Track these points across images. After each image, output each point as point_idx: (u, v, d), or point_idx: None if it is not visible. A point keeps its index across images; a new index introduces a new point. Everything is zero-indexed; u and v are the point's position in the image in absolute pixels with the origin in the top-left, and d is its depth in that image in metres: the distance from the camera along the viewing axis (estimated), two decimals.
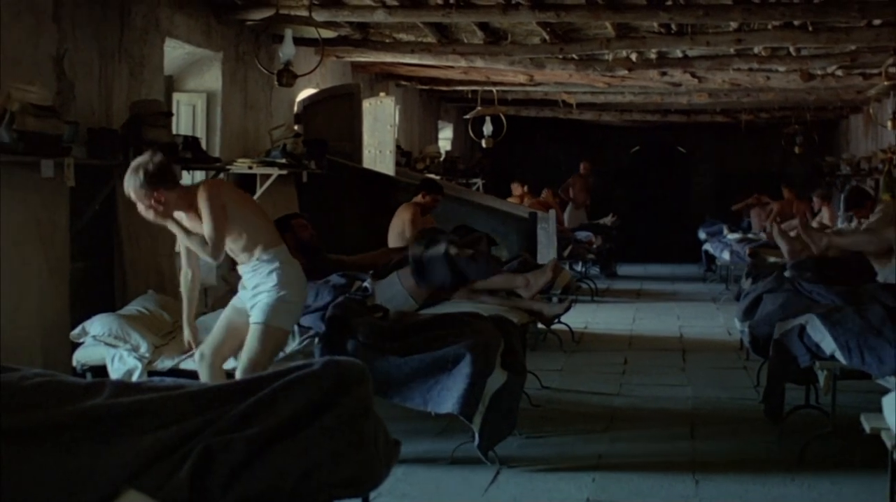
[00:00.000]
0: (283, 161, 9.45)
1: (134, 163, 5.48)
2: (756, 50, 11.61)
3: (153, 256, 7.92)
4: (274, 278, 5.71)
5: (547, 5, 9.12)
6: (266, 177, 9.41)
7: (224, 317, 5.99)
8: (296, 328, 6.60)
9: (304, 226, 8.02)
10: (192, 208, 5.60)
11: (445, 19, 9.65)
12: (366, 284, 7.11)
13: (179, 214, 5.61)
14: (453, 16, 9.39)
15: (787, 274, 8.16)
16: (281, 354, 6.33)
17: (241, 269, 5.86)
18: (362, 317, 6.51)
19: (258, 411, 3.65)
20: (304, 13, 8.67)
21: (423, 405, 6.09)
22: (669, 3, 9.09)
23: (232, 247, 5.72)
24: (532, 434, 6.96)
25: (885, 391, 5.45)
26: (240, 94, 9.76)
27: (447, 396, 5.99)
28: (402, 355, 6.19)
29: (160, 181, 5.45)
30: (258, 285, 5.75)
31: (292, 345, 6.47)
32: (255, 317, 5.73)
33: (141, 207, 5.49)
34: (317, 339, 6.41)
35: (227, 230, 5.60)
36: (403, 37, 11.34)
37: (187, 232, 5.60)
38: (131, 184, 5.43)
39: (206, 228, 5.54)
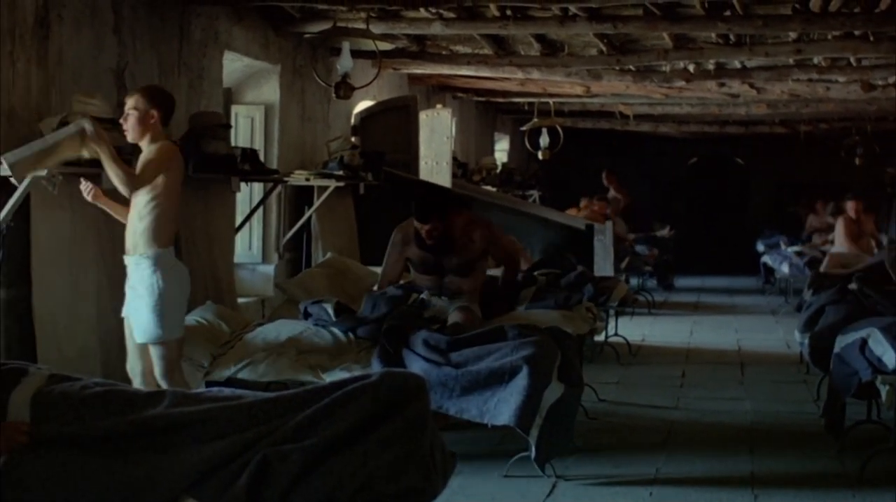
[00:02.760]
0: (341, 173, 9.49)
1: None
2: (815, 60, 11.49)
3: (212, 266, 7.99)
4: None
5: (604, 17, 9.08)
6: (323, 189, 9.45)
7: None
8: (353, 338, 6.63)
9: None
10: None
11: (502, 31, 9.65)
12: (423, 296, 7.11)
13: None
14: (510, 28, 9.37)
15: (852, 285, 8.06)
16: (339, 365, 6.34)
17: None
18: (419, 328, 6.51)
19: (316, 422, 3.66)
20: (362, 26, 8.72)
21: (480, 417, 6.06)
22: (728, 13, 9.02)
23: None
24: (589, 447, 6.93)
25: None
26: (297, 107, 9.82)
27: (504, 408, 5.97)
28: (459, 367, 6.18)
29: (165, 108, 5.85)
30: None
31: (349, 356, 6.48)
32: None
33: (127, 109, 5.78)
34: (374, 351, 6.41)
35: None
36: (460, 49, 11.35)
37: (116, 160, 5.59)
38: (143, 89, 5.91)
39: (138, 169, 5.76)
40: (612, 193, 17.76)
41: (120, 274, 6.01)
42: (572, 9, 8.88)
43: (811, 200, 19.11)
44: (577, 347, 7.48)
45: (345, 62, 8.62)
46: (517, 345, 6.23)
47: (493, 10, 9.05)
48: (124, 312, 5.95)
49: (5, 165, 5.31)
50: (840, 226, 13.98)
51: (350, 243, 10.26)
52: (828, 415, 7.08)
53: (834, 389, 6.85)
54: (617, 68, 11.70)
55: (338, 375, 6.14)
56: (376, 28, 8.98)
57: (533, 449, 6.04)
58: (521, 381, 5.99)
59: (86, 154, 5.61)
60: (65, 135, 5.52)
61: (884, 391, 6.25)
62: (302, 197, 9.72)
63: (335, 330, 6.71)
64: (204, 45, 8.08)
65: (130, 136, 5.81)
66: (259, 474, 3.54)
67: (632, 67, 11.85)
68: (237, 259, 8.98)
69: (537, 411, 6.00)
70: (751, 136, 21.10)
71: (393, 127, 11.34)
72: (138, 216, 5.75)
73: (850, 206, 14.01)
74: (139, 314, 5.80)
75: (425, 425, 3.87)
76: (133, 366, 5.99)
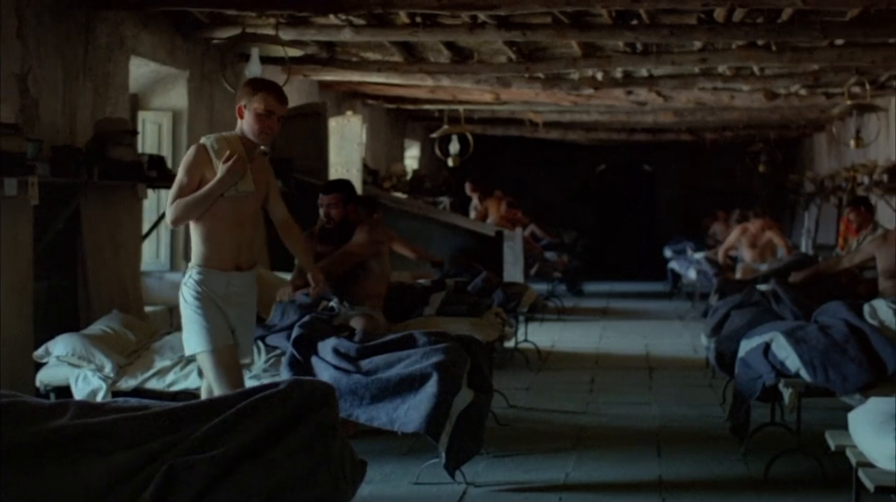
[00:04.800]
0: None
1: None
2: (720, 69, 11.70)
3: (117, 275, 7.87)
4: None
5: (513, 24, 9.14)
6: None
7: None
8: (262, 346, 6.59)
9: None
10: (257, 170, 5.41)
11: (412, 38, 9.66)
12: (332, 303, 7.08)
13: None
14: (420, 35, 9.40)
15: (767, 287, 8.21)
16: (247, 373, 6.30)
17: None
18: (329, 336, 6.48)
19: (223, 432, 3.63)
20: (271, 32, 8.67)
21: (390, 424, 6.05)
22: (635, 22, 9.14)
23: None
24: (499, 453, 6.95)
25: (850, 408, 5.49)
26: (206, 113, 9.72)
27: (414, 415, 5.96)
28: (369, 375, 6.16)
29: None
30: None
31: (258, 364, 6.44)
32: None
33: (278, 111, 5.31)
34: (283, 359, 6.37)
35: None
36: (370, 55, 11.34)
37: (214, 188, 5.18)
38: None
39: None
40: (475, 202, 17.87)
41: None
42: (481, 16, 8.94)
43: (715, 209, 19.44)
44: (487, 353, 7.50)
45: (253, 68, 8.56)
46: (427, 351, 6.23)
47: (403, 16, 9.07)
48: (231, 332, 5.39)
49: None
50: (734, 233, 14.41)
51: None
52: (733, 418, 7.19)
53: (739, 392, 6.96)
54: (526, 76, 11.80)
55: (247, 384, 6.09)
56: (286, 34, 8.94)
57: (443, 455, 6.03)
58: (430, 388, 5.99)
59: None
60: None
61: (787, 394, 6.38)
62: None
63: None
64: (110, 50, 7.97)
65: (269, 141, 5.48)
66: (165, 485, 3.50)
67: (541, 75, 11.96)
68: (144, 267, 8.86)
69: (447, 418, 6.00)
70: (658, 144, 21.43)
71: (303, 133, 11.27)
72: (254, 229, 5.56)
73: (756, 224, 14.36)
74: (251, 335, 5.61)
75: (334, 433, 3.86)
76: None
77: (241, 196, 5.27)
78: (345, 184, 7.51)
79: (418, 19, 9.19)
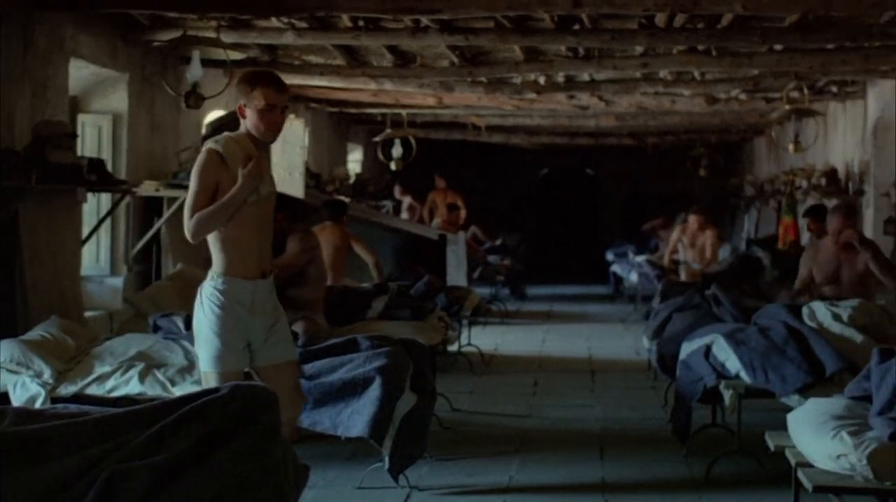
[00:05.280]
0: None
1: None
2: (661, 74, 11.78)
3: (56, 280, 7.77)
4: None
5: (456, 28, 9.14)
6: (173, 199, 9.29)
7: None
8: None
9: None
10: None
11: (354, 42, 9.63)
12: None
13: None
14: (362, 38, 9.36)
15: (708, 291, 8.28)
16: (189, 379, 6.26)
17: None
18: None
19: (164, 438, 3.59)
20: (212, 34, 8.61)
21: (333, 429, 6.05)
22: (577, 27, 9.18)
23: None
24: (443, 456, 6.96)
25: (789, 409, 5.56)
26: (146, 116, 9.63)
27: (357, 420, 5.97)
28: (312, 379, 6.15)
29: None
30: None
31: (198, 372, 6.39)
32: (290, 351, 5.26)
33: (278, 103, 5.00)
34: None
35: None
36: (312, 59, 11.29)
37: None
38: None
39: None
40: (406, 204, 17.81)
41: None
42: (424, 20, 8.92)
43: (658, 214, 19.59)
44: (430, 357, 7.51)
45: (195, 71, 8.51)
46: (370, 355, 6.24)
47: (346, 20, 9.03)
48: (258, 342, 5.08)
49: None
50: (675, 234, 14.57)
51: (201, 255, 10.09)
52: (675, 420, 7.25)
53: (680, 394, 7.02)
54: (469, 80, 11.80)
55: (188, 389, 6.05)
56: (227, 37, 8.88)
57: (387, 459, 6.04)
58: (374, 392, 5.99)
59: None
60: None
61: (727, 395, 6.45)
62: (151, 208, 9.54)
63: (185, 343, 6.60)
64: (49, 52, 7.86)
65: (276, 137, 5.17)
66: (105, 492, 3.45)
67: (483, 79, 11.96)
68: (84, 272, 8.76)
69: (391, 422, 6.01)
70: (600, 148, 21.54)
71: None
72: (270, 233, 5.27)
73: (692, 219, 14.49)
74: (288, 334, 5.28)
75: (276, 438, 3.84)
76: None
77: (263, 199, 5.05)
78: (285, 200, 7.43)
79: (361, 23, 9.16)
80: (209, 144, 4.99)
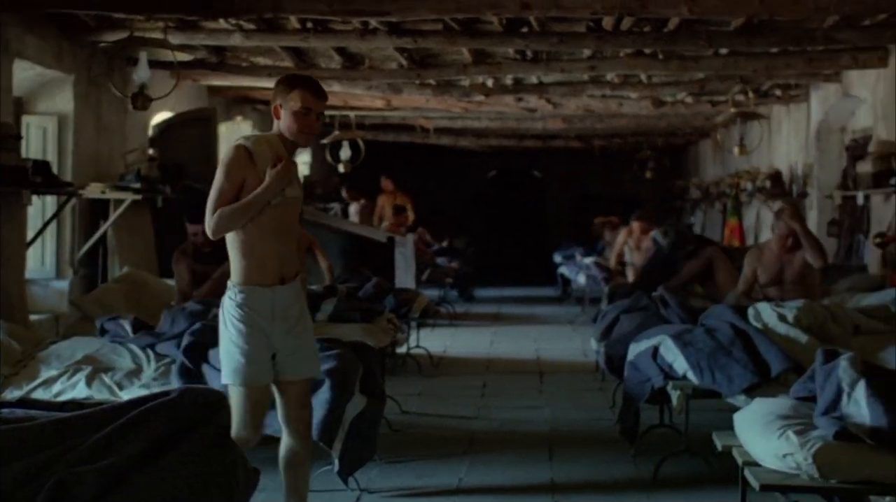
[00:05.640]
0: (138, 186, 9.29)
1: None
2: (608, 77, 11.87)
3: (1, 283, 7.68)
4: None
5: (404, 31, 9.16)
6: (120, 202, 9.23)
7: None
8: (151, 355, 6.49)
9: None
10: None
11: (303, 44, 9.62)
12: None
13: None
14: (311, 40, 9.36)
15: (655, 293, 8.33)
16: (137, 382, 6.22)
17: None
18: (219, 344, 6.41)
19: (113, 442, 3.56)
20: (160, 36, 8.56)
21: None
22: (525, 30, 9.23)
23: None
24: (392, 459, 6.96)
25: (735, 409, 5.62)
26: (92, 117, 9.55)
27: None
28: None
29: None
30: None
31: (147, 373, 6.35)
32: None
33: (316, 109, 4.87)
34: (173, 367, 6.28)
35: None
36: (260, 60, 11.25)
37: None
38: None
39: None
40: (354, 207, 17.80)
41: None
42: (373, 22, 8.93)
43: (607, 216, 19.70)
44: (380, 359, 7.50)
45: (142, 73, 8.45)
46: (320, 358, 6.19)
47: (294, 22, 9.02)
48: (284, 352, 4.93)
49: None
50: (620, 237, 14.70)
51: (148, 257, 10.04)
52: (622, 421, 7.29)
53: (628, 395, 7.06)
54: (417, 82, 11.83)
55: (136, 393, 6.01)
56: (174, 38, 8.83)
57: (336, 462, 6.02)
58: (323, 395, 5.97)
59: None
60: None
61: (674, 396, 6.49)
62: (97, 210, 9.46)
63: (133, 346, 6.56)
64: None
65: (309, 142, 5.03)
66: (53, 498, 3.41)
67: (432, 81, 12.00)
68: (29, 275, 8.67)
69: (340, 424, 5.99)
70: (547, 150, 21.64)
71: (192, 139, 11.16)
72: (295, 236, 5.09)
73: (635, 225, 14.62)
74: (312, 347, 5.11)
75: (227, 441, 3.82)
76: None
77: (288, 203, 4.88)
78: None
79: (309, 25, 9.15)
80: (239, 140, 4.86)
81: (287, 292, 4.91)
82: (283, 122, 4.85)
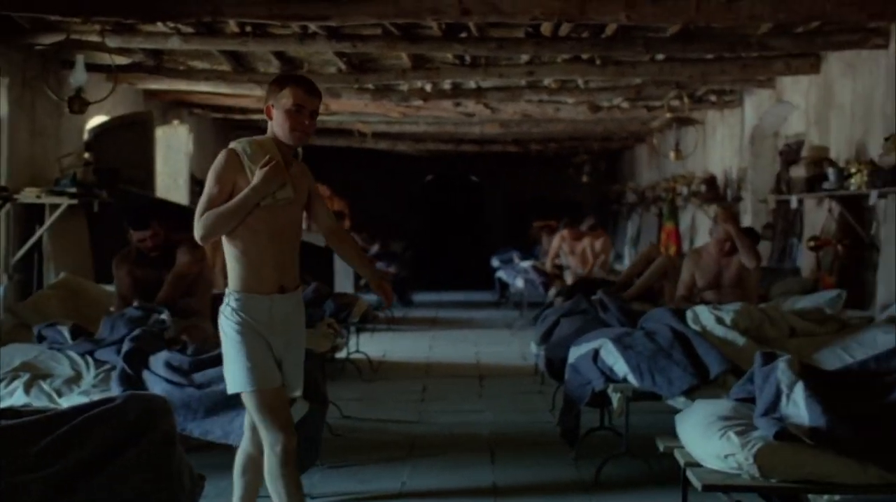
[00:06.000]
0: (73, 190, 9.18)
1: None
2: (546, 82, 11.94)
3: None
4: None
5: (343, 35, 9.15)
6: (55, 206, 9.12)
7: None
8: (91, 361, 6.42)
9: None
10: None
11: (241, 48, 9.57)
12: (163, 316, 6.95)
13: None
14: (250, 44, 9.32)
15: (595, 297, 8.40)
16: (76, 389, 6.15)
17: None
18: (160, 349, 6.37)
19: (58, 449, 3.53)
20: (97, 39, 8.47)
21: (225, 438, 5.97)
22: (464, 35, 9.27)
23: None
24: (335, 464, 6.95)
25: (675, 411, 5.69)
26: (27, 121, 9.42)
27: None
28: (202, 388, 6.08)
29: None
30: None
31: (87, 380, 6.28)
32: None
33: (311, 107, 4.75)
34: (113, 374, 6.22)
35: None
36: (197, 64, 11.18)
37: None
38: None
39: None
40: None
41: None
42: (312, 27, 8.92)
43: (546, 220, 19.86)
44: (321, 364, 7.48)
45: (79, 76, 8.36)
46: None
47: (233, 25, 8.97)
48: (285, 365, 4.84)
49: None
50: (555, 242, 14.95)
51: (84, 263, 9.92)
52: (563, 424, 7.34)
53: (569, 398, 7.11)
54: (356, 87, 11.82)
55: (76, 400, 5.95)
56: (111, 41, 8.75)
57: None
58: None
59: None
60: None
61: (615, 399, 6.56)
62: (32, 215, 9.34)
63: (72, 353, 6.48)
64: None
65: (302, 141, 4.85)
66: None
67: (370, 86, 11.99)
68: None
69: None
70: (485, 155, 21.72)
71: (128, 143, 11.06)
72: (297, 243, 4.91)
73: (564, 233, 14.89)
74: (299, 367, 4.96)
75: (173, 447, 3.81)
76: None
77: (280, 204, 4.71)
78: (155, 212, 7.30)
79: (248, 28, 9.11)
80: (231, 144, 4.75)
81: (286, 302, 4.78)
82: (276, 122, 4.73)
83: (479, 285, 21.03)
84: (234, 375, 4.72)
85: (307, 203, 4.94)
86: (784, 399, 4.36)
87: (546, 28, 8.96)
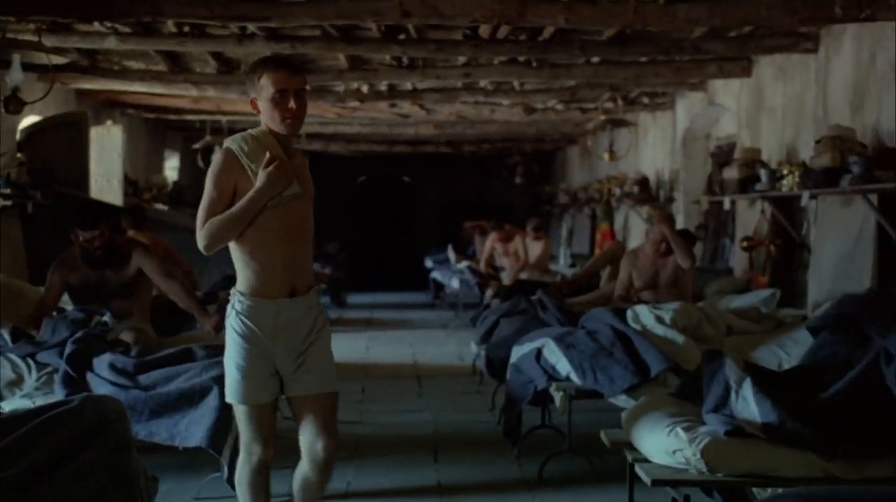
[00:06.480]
0: (7, 191, 9.06)
1: None
2: (482, 84, 12.01)
3: None
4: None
5: (282, 36, 9.13)
6: None
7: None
8: (32, 364, 6.37)
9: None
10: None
11: (179, 48, 9.51)
12: (105, 318, 6.91)
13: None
14: (188, 44, 9.27)
15: (534, 297, 8.48)
16: (18, 392, 6.09)
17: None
18: (103, 352, 6.33)
19: (14, 452, 3.51)
20: (33, 38, 8.38)
21: (170, 440, 5.97)
22: (403, 37, 9.30)
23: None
24: (279, 465, 6.91)
25: (615, 408, 5.79)
26: None
27: (195, 430, 5.91)
28: (147, 390, 6.06)
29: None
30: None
31: (29, 383, 6.22)
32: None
33: (297, 86, 4.46)
34: (56, 376, 6.17)
35: None
36: (132, 64, 11.09)
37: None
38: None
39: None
40: None
41: None
42: (251, 27, 8.89)
43: (477, 221, 19.96)
44: None
45: (15, 75, 8.26)
46: (206, 365, 6.18)
47: (171, 25, 8.92)
48: (287, 372, 4.60)
49: None
50: (488, 243, 15.11)
51: (17, 265, 9.79)
52: (505, 423, 7.42)
53: (511, 397, 7.18)
54: None
55: (18, 403, 5.91)
56: (47, 41, 8.65)
57: (226, 469, 6.00)
58: (212, 402, 5.95)
59: None
60: None
61: (557, 397, 6.65)
62: None
63: (13, 356, 6.42)
64: None
65: (297, 128, 4.51)
66: None
67: (307, 87, 11.95)
68: None
69: (229, 431, 5.97)
70: (418, 156, 21.77)
71: (62, 143, 10.93)
72: (307, 240, 4.67)
73: (493, 236, 15.07)
74: (326, 362, 4.70)
75: (129, 449, 3.81)
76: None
77: (287, 201, 4.45)
78: (103, 212, 7.25)
79: (186, 29, 9.06)
80: (226, 143, 4.47)
81: (295, 306, 4.50)
82: (264, 115, 4.43)
83: (413, 286, 21.07)
84: (229, 384, 4.58)
85: None
86: (733, 395, 4.45)
87: (484, 30, 9.03)
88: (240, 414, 4.61)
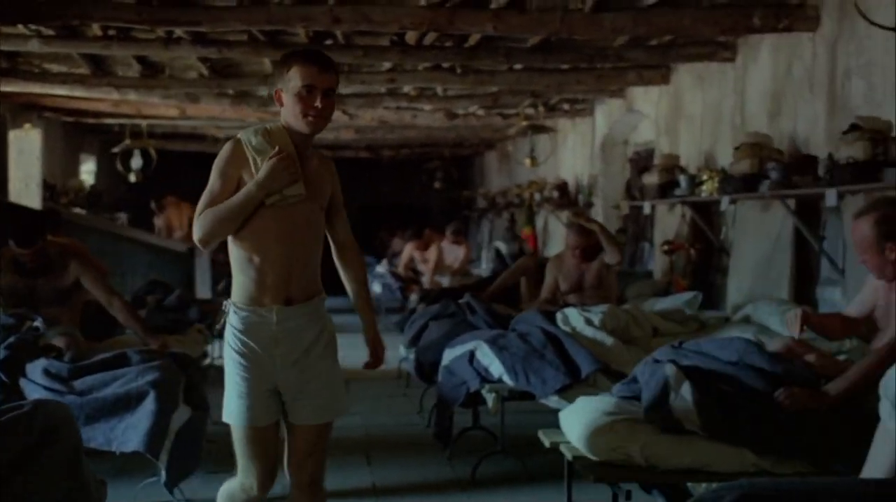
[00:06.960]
0: None
1: None
2: (406, 89, 12.11)
3: None
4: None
5: (209, 41, 9.13)
6: None
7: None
8: None
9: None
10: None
11: (104, 51, 9.45)
12: (36, 324, 6.85)
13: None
14: (113, 48, 9.21)
15: (462, 300, 8.57)
16: None
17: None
18: (36, 357, 6.29)
19: None
20: None
21: (107, 445, 5.94)
22: (329, 42, 9.35)
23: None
24: (213, 469, 6.95)
25: (546, 410, 5.91)
26: None
27: (132, 434, 5.89)
28: (83, 395, 6.04)
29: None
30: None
31: None
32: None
33: (326, 86, 4.15)
34: None
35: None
36: (53, 67, 10.98)
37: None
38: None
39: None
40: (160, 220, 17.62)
41: None
42: (177, 31, 8.88)
43: (393, 225, 20.04)
44: (201, 370, 7.49)
45: None
46: (142, 369, 6.17)
47: (96, 29, 8.86)
48: (289, 393, 4.31)
49: None
50: (407, 250, 15.25)
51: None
52: (437, 424, 7.50)
53: (443, 399, 7.26)
54: (216, 92, 11.77)
55: None
56: None
57: (163, 473, 6.01)
58: (148, 406, 5.94)
59: None
60: None
61: (490, 398, 6.74)
62: None
63: None
64: None
65: (318, 128, 4.22)
66: None
67: (230, 91, 11.96)
68: None
69: (166, 435, 5.98)
70: (337, 160, 21.62)
71: None
72: (312, 247, 4.38)
73: (410, 246, 15.21)
74: (333, 383, 4.45)
75: (81, 454, 3.83)
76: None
77: (289, 202, 4.19)
78: (43, 228, 7.14)
79: (111, 32, 9.01)
80: (238, 135, 4.25)
81: (295, 314, 4.26)
82: (286, 108, 4.16)
83: (333, 290, 20.98)
84: (227, 404, 4.31)
85: (328, 205, 4.41)
86: (672, 394, 4.59)
87: (411, 37, 9.12)
88: (238, 438, 4.32)
